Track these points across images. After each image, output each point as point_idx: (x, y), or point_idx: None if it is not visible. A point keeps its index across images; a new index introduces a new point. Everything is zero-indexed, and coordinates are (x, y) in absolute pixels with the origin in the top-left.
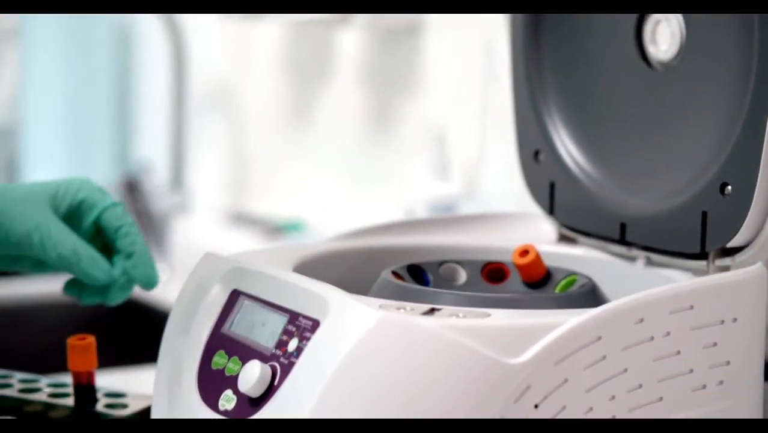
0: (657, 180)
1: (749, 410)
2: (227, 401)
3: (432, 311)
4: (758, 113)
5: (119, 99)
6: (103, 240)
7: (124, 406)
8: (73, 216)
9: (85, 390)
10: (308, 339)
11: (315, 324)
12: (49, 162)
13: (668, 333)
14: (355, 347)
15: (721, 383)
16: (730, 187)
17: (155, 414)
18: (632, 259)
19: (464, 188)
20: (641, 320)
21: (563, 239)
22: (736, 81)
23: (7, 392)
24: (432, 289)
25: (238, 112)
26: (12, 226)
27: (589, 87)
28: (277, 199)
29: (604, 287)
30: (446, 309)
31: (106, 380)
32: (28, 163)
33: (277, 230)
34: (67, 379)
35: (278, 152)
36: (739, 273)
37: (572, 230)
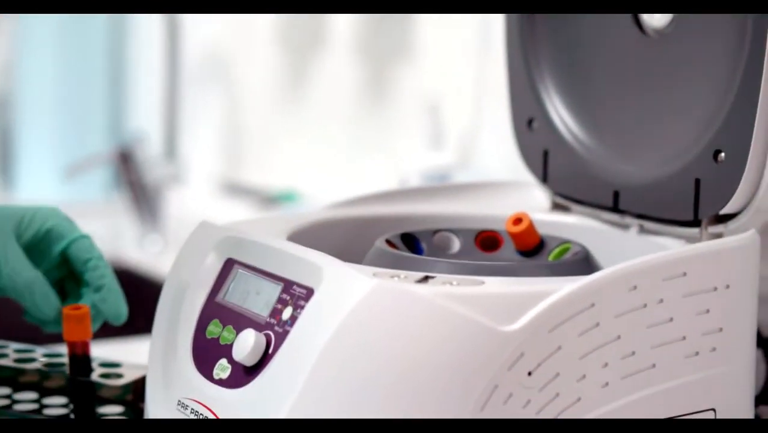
0: (650, 148)
1: (741, 377)
2: (222, 370)
3: (426, 278)
4: (751, 81)
5: (113, 69)
6: (67, 269)
7: (120, 376)
8: (39, 244)
9: (80, 360)
10: (302, 307)
11: (309, 292)
12: (43, 132)
13: (661, 300)
14: (350, 315)
15: (713, 349)
16: (723, 155)
17: (150, 384)
18: (625, 227)
19: (459, 158)
20: (634, 287)
21: (557, 207)
22: (729, 48)
23: (2, 361)
24: (426, 257)
25: (233, 81)
26: None
27: (583, 54)
28: (272, 169)
29: (598, 255)
30: (440, 277)
31: (101, 351)
32: (22, 133)
33: (271, 200)
34: (63, 349)
35: (273, 122)
36: (731, 240)
37: (566, 198)
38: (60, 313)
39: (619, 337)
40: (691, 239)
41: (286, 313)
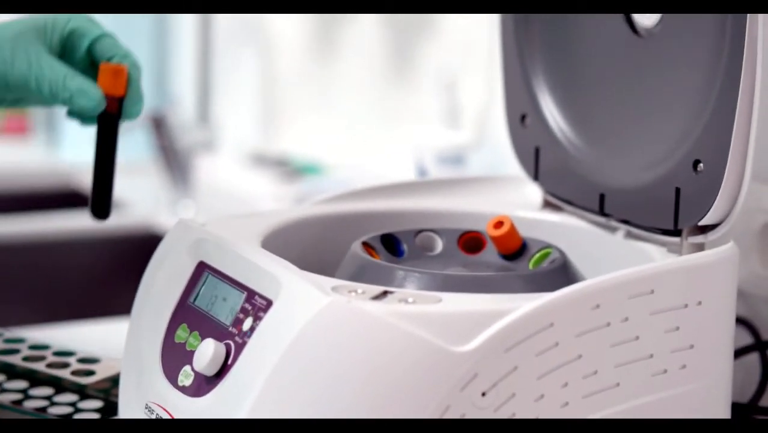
0: (635, 152)
1: (717, 393)
2: (186, 377)
3: (385, 293)
4: (730, 90)
5: (154, 33)
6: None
7: (92, 373)
8: (65, 48)
9: (110, 119)
10: (261, 319)
11: (268, 304)
12: None
13: (626, 318)
14: (302, 332)
15: (684, 367)
16: (702, 165)
17: (123, 383)
18: (613, 230)
19: (474, 136)
20: (597, 306)
21: (548, 205)
22: (710, 55)
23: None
24: (395, 266)
25: (266, 46)
26: (6, 70)
27: (575, 52)
28: (298, 138)
29: (582, 258)
30: (399, 293)
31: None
32: None
33: (295, 172)
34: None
35: (301, 92)
36: (703, 256)
37: (556, 197)
38: (101, 104)
39: (580, 356)
40: (673, 247)
41: (247, 323)
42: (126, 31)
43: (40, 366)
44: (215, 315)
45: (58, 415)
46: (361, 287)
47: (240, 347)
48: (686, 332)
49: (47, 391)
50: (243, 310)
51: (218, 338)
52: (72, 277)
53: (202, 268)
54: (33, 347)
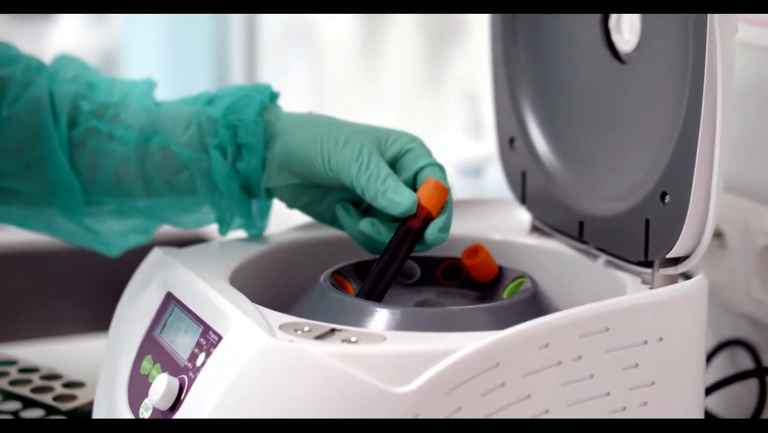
0: (610, 181)
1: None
2: (146, 409)
3: (332, 331)
4: (692, 122)
5: (217, 40)
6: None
7: (74, 398)
8: (395, 164)
9: (410, 231)
10: (211, 355)
11: (219, 340)
12: None
13: (579, 357)
14: (242, 372)
15: (644, 403)
16: (669, 197)
17: (96, 408)
18: (594, 257)
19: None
20: (546, 345)
21: (536, 229)
22: (677, 84)
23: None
24: (356, 300)
25: (315, 56)
26: (334, 152)
27: (560, 77)
28: None
29: (562, 286)
30: (345, 331)
31: None
32: None
33: None
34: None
35: (347, 98)
36: (662, 292)
37: (541, 222)
38: (413, 204)
39: (528, 396)
40: (647, 278)
41: (200, 359)
42: (185, 33)
43: (25, 391)
44: (176, 348)
45: None
46: (309, 324)
47: (191, 383)
48: (646, 369)
49: (38, 412)
50: (198, 345)
51: (175, 371)
52: (124, 282)
53: (169, 299)
54: (22, 370)
